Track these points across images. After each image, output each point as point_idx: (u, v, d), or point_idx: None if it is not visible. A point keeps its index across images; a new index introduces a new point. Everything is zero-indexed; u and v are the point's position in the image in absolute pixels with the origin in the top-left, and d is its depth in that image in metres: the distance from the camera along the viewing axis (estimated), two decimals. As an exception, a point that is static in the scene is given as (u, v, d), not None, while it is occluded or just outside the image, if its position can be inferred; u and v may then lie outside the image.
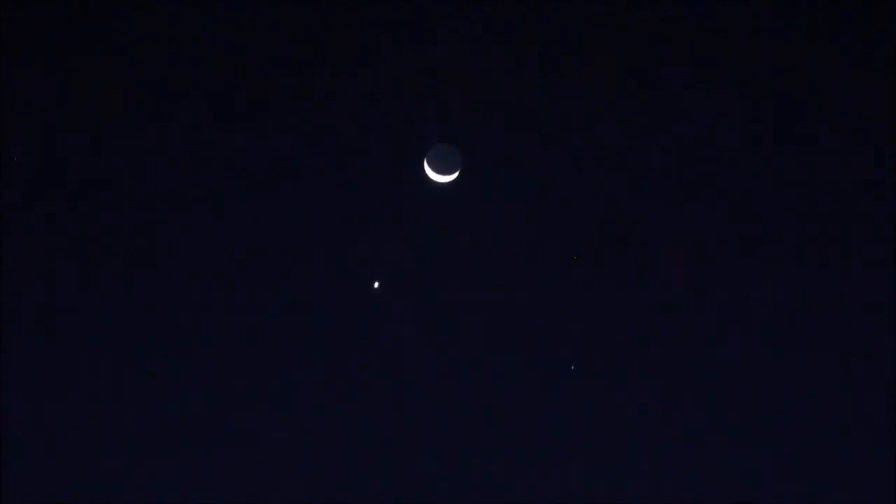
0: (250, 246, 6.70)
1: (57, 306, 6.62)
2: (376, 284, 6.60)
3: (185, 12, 6.76)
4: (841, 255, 6.66)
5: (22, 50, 6.74)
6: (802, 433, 6.56)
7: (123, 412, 6.59)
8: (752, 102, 6.77)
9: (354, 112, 6.78)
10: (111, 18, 6.76)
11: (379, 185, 6.76)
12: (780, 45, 6.78)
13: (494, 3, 6.79)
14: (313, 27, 6.78)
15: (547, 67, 6.80)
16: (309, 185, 6.75)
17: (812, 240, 6.68)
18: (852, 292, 6.62)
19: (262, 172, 6.75)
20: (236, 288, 6.68)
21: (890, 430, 6.49)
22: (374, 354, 6.70)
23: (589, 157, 6.77)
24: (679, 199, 6.74)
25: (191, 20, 6.76)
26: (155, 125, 6.74)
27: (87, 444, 6.55)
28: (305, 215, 6.73)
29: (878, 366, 6.56)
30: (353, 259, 6.72)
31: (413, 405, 6.67)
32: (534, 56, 6.80)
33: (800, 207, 6.71)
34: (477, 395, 6.68)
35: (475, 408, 6.67)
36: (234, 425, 6.62)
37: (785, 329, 6.64)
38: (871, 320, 6.58)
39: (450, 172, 6.61)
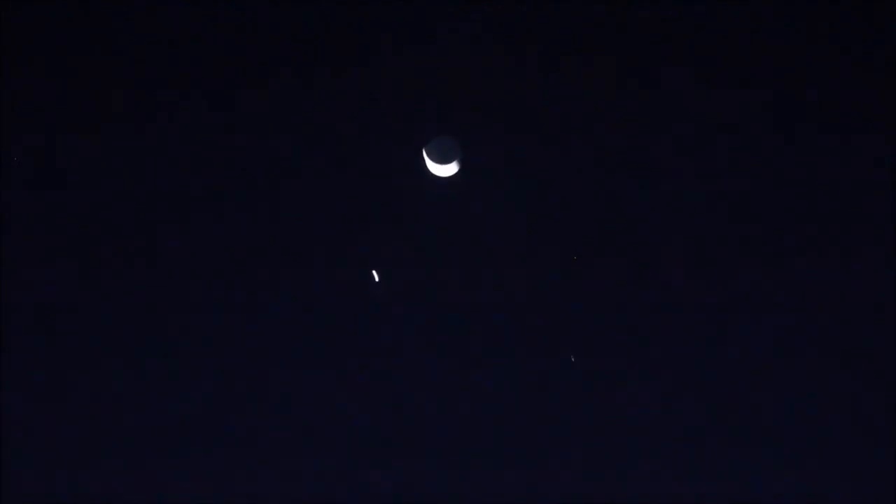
0: (250, 246, 6.70)
1: (57, 306, 6.62)
2: (376, 277, 6.59)
3: (185, 12, 6.76)
4: (841, 255, 6.66)
5: (22, 50, 6.74)
6: (802, 433, 6.56)
7: (123, 412, 6.59)
8: (752, 102, 6.77)
9: (354, 112, 6.78)
10: (111, 18, 6.76)
11: (379, 185, 6.76)
12: (780, 45, 6.77)
13: (494, 3, 6.79)
14: (313, 27, 6.78)
15: (547, 67, 6.79)
16: (309, 186, 6.75)
17: (812, 240, 6.68)
18: (852, 292, 6.62)
19: (262, 172, 6.75)
20: (236, 288, 6.68)
21: (890, 430, 6.49)
22: (374, 354, 6.70)
23: (589, 157, 6.77)
24: (679, 199, 6.74)
25: (191, 20, 6.76)
26: (155, 125, 6.75)
27: (87, 444, 6.56)
28: (305, 215, 6.73)
29: (878, 366, 6.56)
30: (354, 259, 6.72)
31: (413, 405, 6.67)
32: (534, 56, 6.80)
33: (800, 207, 6.71)
34: (477, 395, 6.68)
35: (475, 408, 6.67)
36: (234, 425, 6.62)
37: (785, 329, 6.64)
38: (871, 320, 6.58)
39: (448, 162, 6.61)
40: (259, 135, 6.76)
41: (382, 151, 6.76)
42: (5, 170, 6.68)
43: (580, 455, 6.60)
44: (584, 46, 6.79)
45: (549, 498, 6.56)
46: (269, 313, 6.68)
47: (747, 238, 6.71)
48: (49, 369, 6.59)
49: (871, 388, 6.54)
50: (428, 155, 6.65)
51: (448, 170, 6.69)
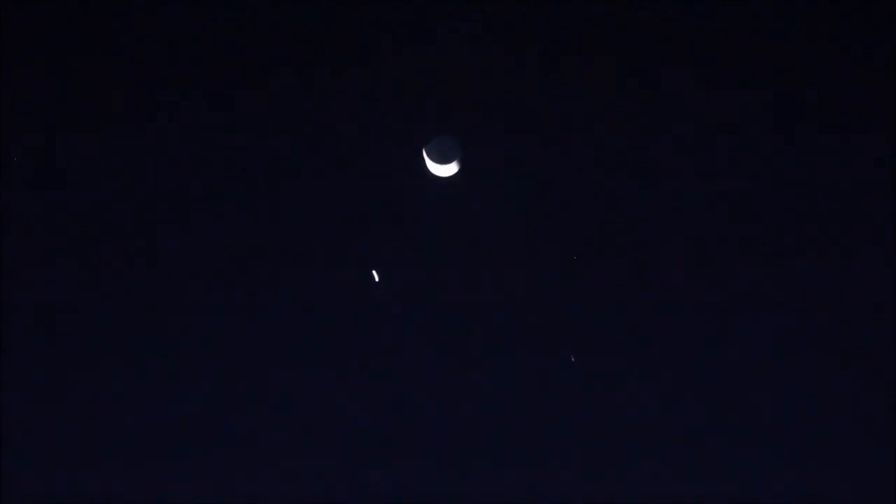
0: (250, 246, 6.70)
1: (57, 306, 6.63)
2: (376, 277, 6.60)
3: (185, 12, 6.76)
4: (841, 255, 6.66)
5: (22, 50, 6.74)
6: (802, 433, 6.56)
7: (123, 412, 6.59)
8: (752, 102, 6.77)
9: (354, 112, 6.78)
10: (111, 18, 6.76)
11: (379, 185, 6.76)
12: (780, 45, 6.77)
13: (494, 3, 6.79)
14: (313, 27, 6.78)
15: (547, 67, 6.79)
16: (309, 186, 6.75)
17: (812, 240, 6.68)
18: (852, 292, 6.62)
19: (262, 172, 6.75)
20: (236, 288, 6.68)
21: (890, 430, 6.49)
22: (374, 354, 6.70)
23: (589, 157, 6.77)
24: (679, 199, 6.74)
25: (191, 20, 6.76)
26: (155, 125, 6.75)
27: (87, 444, 6.56)
28: (305, 215, 6.73)
29: (878, 366, 6.56)
30: (354, 259, 6.72)
31: (413, 405, 6.67)
32: (534, 56, 6.80)
33: (800, 207, 6.71)
34: (477, 395, 6.68)
35: (475, 408, 6.67)
36: (234, 425, 6.62)
37: (785, 329, 6.64)
38: (871, 320, 6.58)
39: (448, 162, 6.61)
40: (259, 135, 6.76)
41: (382, 151, 6.77)
42: (5, 170, 6.68)
43: (580, 455, 6.60)
44: (584, 46, 6.80)
45: (549, 498, 6.56)
46: (269, 313, 6.68)
47: (747, 238, 6.71)
48: (49, 369, 6.59)
49: (871, 388, 6.54)
50: (428, 155, 6.65)
51: (448, 170, 6.69)
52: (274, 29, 6.78)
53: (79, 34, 6.75)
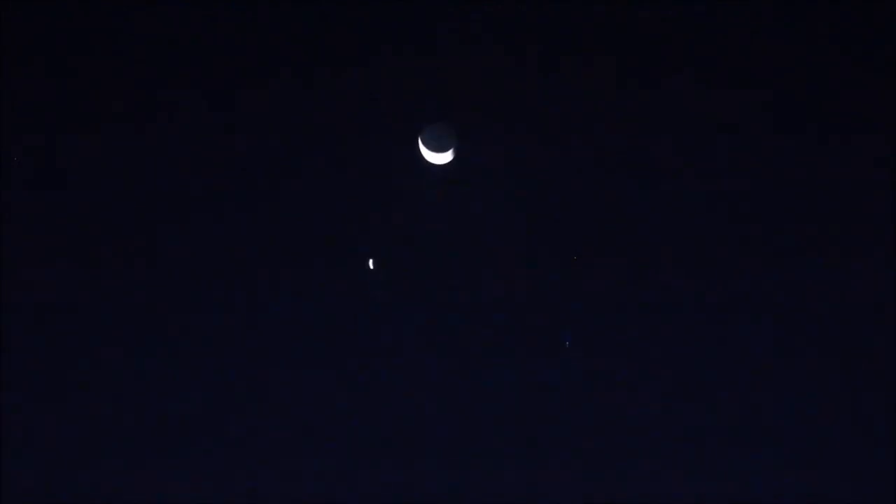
0: (250, 246, 6.70)
1: (57, 306, 6.62)
2: (371, 265, 6.59)
3: (185, 12, 6.76)
4: (841, 255, 6.66)
5: (22, 50, 6.74)
6: (802, 433, 6.56)
7: (123, 412, 6.59)
8: (752, 102, 6.77)
9: (354, 112, 6.78)
10: (111, 18, 6.76)
11: (379, 185, 6.76)
12: (780, 45, 6.77)
13: (494, 3, 6.79)
14: (313, 27, 6.78)
15: (547, 67, 6.79)
16: (309, 186, 6.75)
17: (812, 240, 6.68)
18: (852, 292, 6.62)
19: (262, 172, 6.75)
20: (236, 288, 6.68)
21: (890, 430, 6.49)
22: (374, 354, 6.70)
23: (589, 157, 6.77)
24: (679, 199, 6.74)
25: (191, 20, 6.76)
26: (155, 125, 6.74)
27: (87, 444, 6.56)
28: (305, 215, 6.73)
29: (878, 366, 6.56)
30: (354, 259, 6.72)
31: (413, 405, 6.67)
32: (534, 56, 6.80)
33: (800, 207, 6.71)
34: (477, 395, 6.68)
35: (475, 408, 6.67)
36: (234, 425, 6.62)
37: (785, 329, 6.64)
38: (871, 320, 6.58)
39: (445, 150, 6.60)
40: (259, 135, 6.76)
41: (382, 151, 6.76)
42: (5, 170, 6.68)
43: (580, 455, 6.60)
44: (584, 46, 6.79)
45: (549, 498, 6.56)
46: (269, 313, 6.68)
47: (747, 238, 6.71)
48: (49, 369, 6.58)
49: (871, 388, 6.54)
50: (424, 143, 6.64)
51: (444, 158, 6.68)
52: (274, 29, 6.78)
53: (79, 34, 6.75)
